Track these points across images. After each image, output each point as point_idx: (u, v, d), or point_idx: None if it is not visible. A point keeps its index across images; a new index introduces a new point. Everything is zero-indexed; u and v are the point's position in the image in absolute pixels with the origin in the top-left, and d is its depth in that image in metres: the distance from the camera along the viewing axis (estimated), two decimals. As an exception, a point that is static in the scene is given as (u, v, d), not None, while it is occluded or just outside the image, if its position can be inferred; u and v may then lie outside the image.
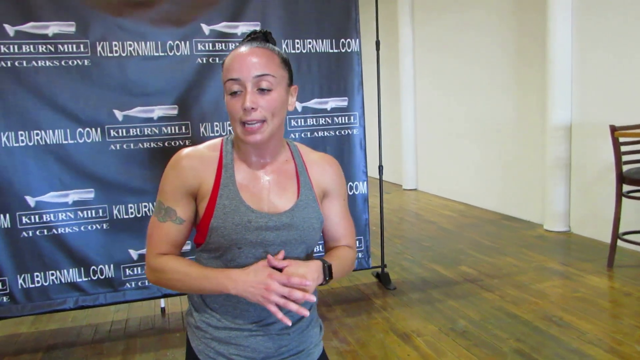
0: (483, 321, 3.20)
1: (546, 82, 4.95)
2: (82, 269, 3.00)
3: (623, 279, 3.79)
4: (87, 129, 2.92)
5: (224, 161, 1.26)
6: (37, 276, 2.95)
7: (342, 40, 3.26)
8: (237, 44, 1.25)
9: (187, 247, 1.41)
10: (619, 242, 4.05)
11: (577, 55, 4.77)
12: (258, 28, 1.28)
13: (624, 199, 3.95)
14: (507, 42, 5.67)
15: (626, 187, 3.95)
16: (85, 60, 2.88)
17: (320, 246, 2.64)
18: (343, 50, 3.27)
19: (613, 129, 3.83)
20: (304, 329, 1.34)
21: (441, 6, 6.85)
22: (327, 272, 1.23)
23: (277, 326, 1.27)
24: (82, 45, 2.87)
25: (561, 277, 3.91)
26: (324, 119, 3.26)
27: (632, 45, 4.25)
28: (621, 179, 3.88)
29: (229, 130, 3.12)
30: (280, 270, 1.18)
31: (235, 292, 1.16)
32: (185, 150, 1.27)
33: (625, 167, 3.91)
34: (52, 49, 2.82)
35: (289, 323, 1.16)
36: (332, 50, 3.24)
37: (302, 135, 3.21)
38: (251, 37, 1.26)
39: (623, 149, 3.90)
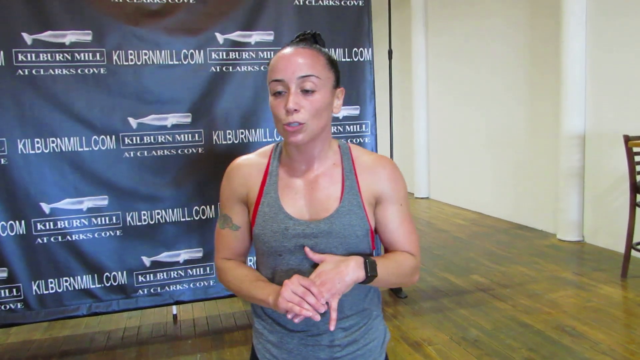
0: (495, 330, 3.18)
1: (560, 91, 4.93)
2: (95, 275, 3.02)
3: (637, 289, 3.75)
4: (102, 136, 2.95)
5: (270, 168, 1.27)
6: (51, 282, 2.98)
7: (355, 49, 3.28)
8: (278, 51, 1.23)
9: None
10: (633, 252, 4.01)
11: (591, 64, 4.75)
12: (291, 35, 1.27)
13: (637, 209, 3.92)
14: (520, 49, 5.66)
15: (640, 197, 3.92)
16: (102, 69, 2.92)
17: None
18: (355, 59, 3.29)
19: (627, 139, 3.80)
20: (360, 340, 1.28)
21: (454, 14, 6.86)
22: (369, 268, 1.14)
23: (326, 337, 1.24)
24: (98, 54, 2.91)
25: (574, 286, 3.88)
26: (335, 128, 3.27)
27: (645, 54, 4.23)
28: (635, 188, 3.85)
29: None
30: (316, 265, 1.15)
31: (272, 303, 1.14)
32: (237, 160, 1.31)
33: (639, 177, 3.89)
34: (69, 58, 2.86)
35: (296, 321, 1.09)
36: (344, 59, 3.26)
37: (314, 143, 3.23)
38: (299, 39, 1.24)
39: (637, 159, 3.87)
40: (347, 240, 1.21)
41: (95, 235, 3.00)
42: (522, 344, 3.00)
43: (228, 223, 1.30)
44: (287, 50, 1.19)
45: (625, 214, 4.09)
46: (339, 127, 3.27)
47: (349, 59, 3.27)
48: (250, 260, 3.26)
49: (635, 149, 3.84)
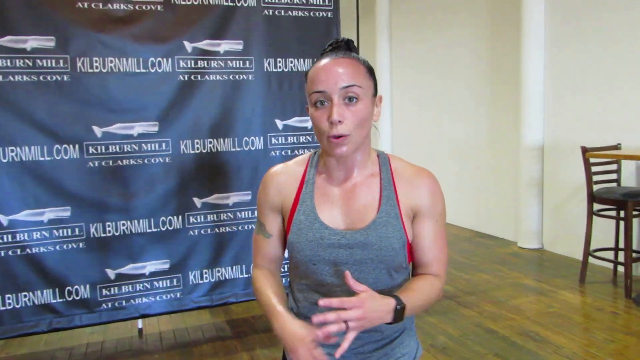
0: (462, 337, 3.23)
1: (520, 103, 5.09)
2: (56, 289, 2.91)
3: (594, 295, 3.88)
4: (65, 145, 2.86)
5: (307, 176, 1.25)
6: (9, 298, 2.85)
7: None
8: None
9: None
10: (590, 259, 4.15)
11: (550, 77, 4.92)
12: (345, 39, 1.25)
13: (594, 218, 4.06)
14: (482, 61, 5.82)
15: (596, 206, 4.07)
16: (65, 76, 2.84)
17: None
18: (324, 70, 3.30)
19: (584, 150, 3.95)
20: (391, 354, 1.27)
21: (418, 25, 7.00)
22: (397, 316, 1.10)
23: (357, 350, 1.23)
24: (61, 61, 2.83)
25: (536, 293, 3.99)
26: (304, 137, 3.27)
27: (603, 68, 4.42)
28: (592, 198, 4.00)
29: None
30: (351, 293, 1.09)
31: (275, 332, 1.16)
32: (274, 168, 1.30)
33: (595, 187, 4.04)
34: (30, 64, 2.77)
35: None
36: (312, 69, 3.27)
37: (283, 153, 3.22)
38: (333, 47, 1.22)
39: (594, 169, 4.02)
40: (382, 253, 1.18)
41: (57, 247, 2.89)
42: (489, 349, 3.05)
43: (262, 230, 1.31)
44: (326, 60, 1.16)
45: (582, 222, 4.24)
46: (307, 137, 3.28)
47: (317, 69, 3.28)
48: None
49: (592, 160, 3.99)
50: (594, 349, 3.03)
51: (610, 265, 4.28)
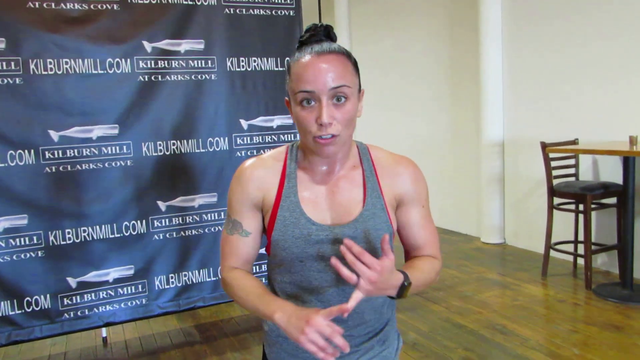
0: (432, 332, 3.26)
1: (480, 100, 5.18)
2: (15, 301, 2.80)
3: (557, 287, 3.98)
4: (20, 150, 2.75)
5: (287, 171, 1.21)
6: (-37, 311, 2.73)
7: (287, 59, 3.27)
8: (300, 56, 1.12)
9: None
10: (552, 252, 4.26)
11: (508, 75, 5.03)
12: (321, 23, 1.18)
13: (555, 212, 4.16)
14: (442, 60, 5.90)
15: (556, 200, 4.17)
16: (17, 79, 2.72)
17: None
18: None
19: (544, 145, 4.04)
20: (376, 347, 1.25)
21: (377, 25, 7.04)
22: (402, 291, 1.09)
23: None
24: (13, 63, 2.71)
25: (500, 286, 4.06)
26: (270, 137, 3.24)
27: (559, 66, 4.54)
28: (552, 192, 4.10)
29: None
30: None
31: (279, 322, 1.07)
32: (249, 161, 1.24)
33: (555, 181, 4.14)
34: (-21, 67, 2.65)
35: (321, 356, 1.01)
36: (276, 69, 3.24)
37: (249, 153, 3.18)
38: (310, 35, 1.16)
39: (553, 164, 4.12)
40: (371, 245, 1.16)
41: (14, 257, 2.78)
42: (458, 344, 3.09)
43: (238, 229, 1.23)
44: (311, 56, 1.11)
45: (542, 216, 4.34)
46: (273, 136, 3.25)
47: (281, 68, 3.25)
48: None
49: (551, 155, 4.09)
50: (558, 339, 3.10)
51: (571, 258, 4.39)
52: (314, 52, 1.11)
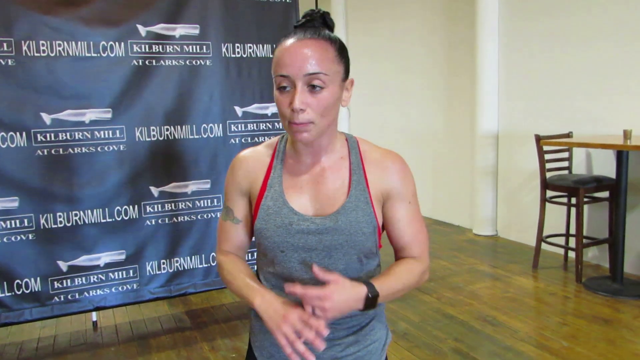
0: (422, 323, 3.27)
1: (475, 92, 5.17)
2: (4, 283, 2.79)
3: (547, 280, 4.00)
4: (11, 133, 2.72)
5: (275, 160, 1.22)
6: (-47, 293, 2.71)
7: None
8: (282, 42, 1.12)
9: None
10: (543, 245, 4.28)
11: (504, 68, 5.02)
12: (316, 9, 1.17)
13: (547, 204, 4.18)
14: (438, 52, 5.88)
15: (549, 193, 4.18)
16: (9, 60, 2.69)
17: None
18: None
19: (538, 138, 4.05)
20: (362, 341, 1.24)
21: (374, 16, 7.00)
22: (370, 302, 1.10)
23: (328, 337, 1.16)
24: (5, 44, 2.68)
25: (491, 278, 4.08)
26: (264, 124, 3.22)
27: (554, 59, 4.53)
28: (545, 185, 4.11)
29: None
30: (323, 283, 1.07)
31: (258, 309, 1.11)
32: (243, 152, 1.27)
33: (548, 174, 4.15)
34: (-29, 48, 2.62)
35: None
36: (271, 56, 3.21)
37: (243, 140, 3.16)
38: (306, 20, 1.14)
39: (546, 157, 4.13)
40: (352, 238, 1.15)
41: (4, 239, 2.77)
42: (449, 334, 3.11)
43: (230, 216, 1.27)
44: (293, 41, 1.10)
45: (534, 209, 4.35)
46: (267, 124, 3.23)
47: (276, 56, 3.23)
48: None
49: (545, 148, 4.10)
50: (548, 332, 3.12)
51: (562, 251, 4.41)
52: (297, 37, 1.10)
